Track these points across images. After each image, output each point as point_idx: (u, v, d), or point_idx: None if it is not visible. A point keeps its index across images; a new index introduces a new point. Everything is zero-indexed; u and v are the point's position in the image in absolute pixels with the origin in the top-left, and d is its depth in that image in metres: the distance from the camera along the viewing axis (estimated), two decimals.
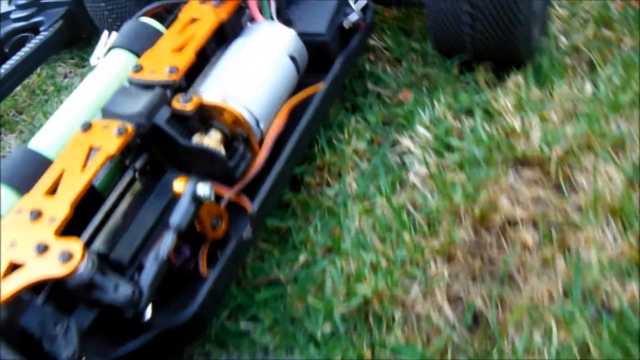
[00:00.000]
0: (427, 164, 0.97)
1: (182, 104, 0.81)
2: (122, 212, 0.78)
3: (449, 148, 0.99)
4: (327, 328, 0.81)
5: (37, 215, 0.70)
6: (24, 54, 1.36)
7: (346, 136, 1.02)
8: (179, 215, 0.70)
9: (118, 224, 0.77)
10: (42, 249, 0.66)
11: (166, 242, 0.69)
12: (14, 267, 0.67)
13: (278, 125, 0.89)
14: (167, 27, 0.93)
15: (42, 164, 0.79)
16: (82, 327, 0.68)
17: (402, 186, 0.96)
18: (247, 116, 0.84)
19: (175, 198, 0.77)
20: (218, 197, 0.79)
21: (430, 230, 0.88)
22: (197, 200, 0.71)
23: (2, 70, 1.32)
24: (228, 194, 0.83)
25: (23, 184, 0.77)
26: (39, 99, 1.53)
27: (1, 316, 0.62)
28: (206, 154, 0.81)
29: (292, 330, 0.81)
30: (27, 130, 1.43)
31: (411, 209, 0.92)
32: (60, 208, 0.70)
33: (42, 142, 0.83)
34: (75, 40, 1.60)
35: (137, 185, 0.81)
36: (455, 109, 1.04)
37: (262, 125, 0.87)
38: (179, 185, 0.72)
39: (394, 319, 0.80)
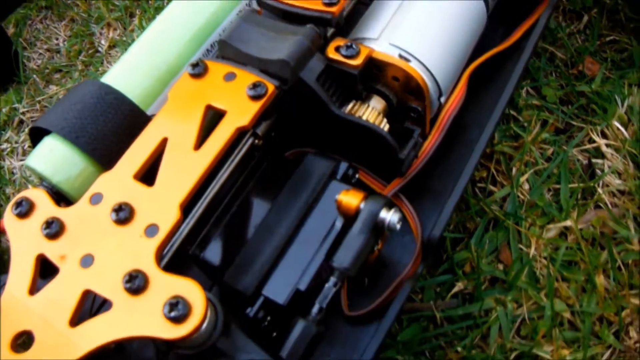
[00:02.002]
0: (620, 175, 0.71)
1: (344, 54, 0.54)
2: (238, 206, 0.53)
3: None
4: None
5: (127, 215, 0.44)
6: None
7: (523, 116, 0.75)
8: (351, 254, 0.44)
9: (232, 226, 0.52)
10: (140, 284, 0.41)
11: (327, 293, 0.44)
12: (87, 297, 0.43)
13: (457, 99, 0.61)
14: None
15: (126, 115, 0.52)
16: None
17: (589, 200, 0.70)
18: (430, 85, 0.56)
19: (324, 199, 0.51)
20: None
21: (631, 279, 0.64)
22: (377, 232, 0.46)
23: None
24: (388, 194, 0.57)
25: (97, 144, 0.50)
26: None
27: None
28: (368, 134, 0.54)
29: None
30: (79, 19, 1.10)
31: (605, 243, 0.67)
32: (163, 210, 0.45)
33: (123, 77, 0.55)
34: None
35: (258, 166, 0.55)
36: None
37: (442, 99, 0.59)
38: (351, 200, 0.46)
39: None
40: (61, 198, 0.51)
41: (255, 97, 0.50)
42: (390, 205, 0.46)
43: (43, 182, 0.51)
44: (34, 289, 0.43)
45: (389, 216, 0.45)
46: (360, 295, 0.55)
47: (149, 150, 0.48)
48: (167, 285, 0.41)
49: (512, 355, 0.61)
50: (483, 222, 0.67)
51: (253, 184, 0.54)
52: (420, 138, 0.57)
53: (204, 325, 0.40)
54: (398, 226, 0.45)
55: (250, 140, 0.56)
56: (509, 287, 0.63)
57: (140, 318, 0.40)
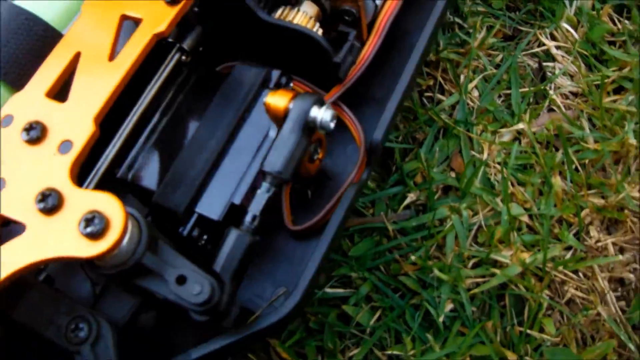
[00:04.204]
0: (573, 77, 0.70)
1: None
2: (166, 122, 0.50)
3: (601, 58, 0.71)
4: (448, 308, 0.58)
5: (39, 134, 0.41)
6: None
7: (469, 23, 0.72)
8: (282, 157, 0.42)
9: (162, 141, 0.49)
10: (54, 203, 0.38)
11: (260, 200, 0.42)
12: (3, 223, 0.40)
13: (395, 2, 0.58)
14: None
15: (40, 35, 0.48)
16: (119, 325, 0.41)
17: (541, 104, 0.68)
18: None
19: (254, 108, 0.48)
20: None
21: (588, 179, 0.63)
22: (309, 132, 0.43)
23: None
24: (327, 101, 0.54)
25: (9, 68, 0.47)
26: None
27: None
28: (299, 38, 0.51)
29: (399, 305, 0.58)
30: None
31: (557, 143, 0.66)
32: (78, 125, 0.41)
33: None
34: None
35: (186, 81, 0.52)
36: (614, 4, 0.75)
37: (378, 1, 0.56)
38: (279, 100, 0.43)
39: (540, 306, 0.58)
40: None
41: (172, 2, 0.46)
42: (321, 102, 0.43)
43: None
44: None
45: (321, 114, 0.42)
46: (305, 210, 0.53)
47: (62, 67, 0.45)
48: (83, 201, 0.38)
49: (470, 263, 0.59)
50: (432, 131, 0.65)
51: (181, 100, 0.51)
52: (357, 41, 0.54)
53: (125, 240, 0.37)
54: (332, 124, 0.43)
55: (176, 56, 0.53)
56: (463, 195, 0.62)
57: (56, 238, 0.37)
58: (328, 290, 0.59)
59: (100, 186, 0.46)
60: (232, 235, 0.41)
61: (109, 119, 0.46)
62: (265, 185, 0.42)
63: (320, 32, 0.53)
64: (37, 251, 0.37)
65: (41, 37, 0.49)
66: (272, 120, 0.45)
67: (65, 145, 0.40)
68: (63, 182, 0.39)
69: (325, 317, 0.58)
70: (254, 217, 0.42)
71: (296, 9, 0.53)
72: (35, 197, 0.38)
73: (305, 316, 0.58)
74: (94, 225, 0.36)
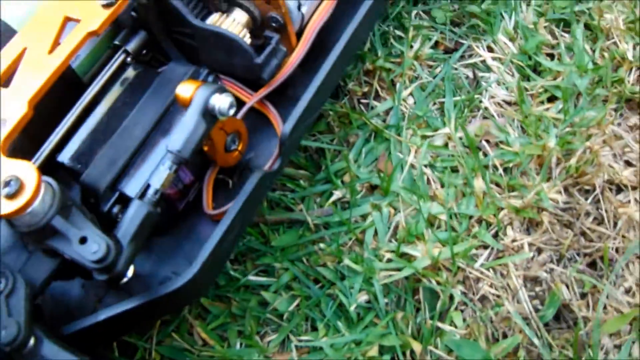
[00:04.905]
0: (508, 87, 0.73)
1: None
2: (105, 112, 0.54)
3: (538, 69, 0.75)
4: (363, 299, 0.61)
5: None
6: None
7: (408, 35, 0.76)
8: (182, 138, 0.46)
9: (99, 128, 0.54)
10: None
11: (161, 175, 0.46)
12: None
13: (325, 11, 0.63)
14: None
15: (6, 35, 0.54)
16: (37, 284, 0.46)
17: (474, 112, 0.72)
18: None
19: (177, 105, 0.53)
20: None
21: (510, 180, 0.66)
22: (210, 117, 0.47)
23: None
24: (250, 102, 0.59)
25: None
26: None
27: None
28: (224, 41, 0.55)
29: (316, 294, 0.61)
30: None
31: (486, 148, 0.69)
32: (13, 107, 0.47)
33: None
34: None
35: (129, 75, 0.57)
36: (550, 19, 0.78)
37: (304, 9, 0.61)
38: (186, 90, 0.48)
39: (452, 299, 0.61)
40: None
41: (107, 5, 0.51)
42: (222, 91, 0.47)
43: None
44: None
45: (220, 101, 0.47)
46: (226, 198, 0.57)
47: (9, 60, 0.50)
48: (6, 168, 0.43)
49: (385, 258, 0.62)
50: (364, 134, 0.69)
51: (121, 95, 0.56)
52: (282, 45, 0.59)
53: (37, 202, 0.42)
54: (230, 112, 0.47)
55: (121, 57, 0.58)
56: (386, 193, 0.65)
57: None
58: (251, 278, 0.63)
59: (44, 169, 0.51)
60: (134, 205, 0.45)
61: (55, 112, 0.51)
62: (167, 163, 0.46)
63: (247, 37, 0.58)
64: None
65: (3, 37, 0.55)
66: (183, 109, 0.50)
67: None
68: None
69: (247, 302, 0.61)
70: (155, 191, 0.46)
71: (227, 17, 0.58)
72: None
73: (229, 302, 0.62)
74: (10, 187, 0.41)
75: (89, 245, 0.42)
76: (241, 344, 0.61)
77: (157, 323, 0.62)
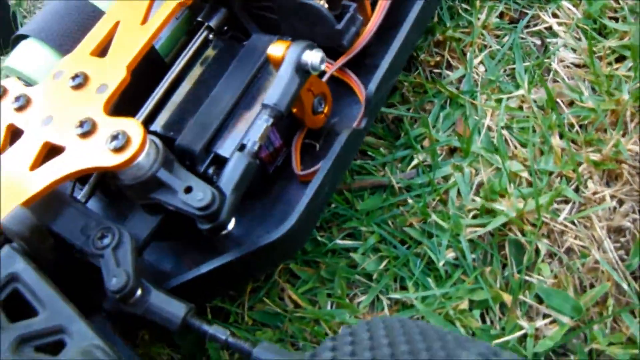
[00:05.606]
0: (576, 50, 0.74)
1: None
2: (192, 85, 0.58)
3: (603, 33, 0.75)
4: (450, 256, 0.62)
5: (82, 81, 0.50)
6: None
7: (475, 6, 0.78)
8: (278, 92, 0.49)
9: (188, 100, 0.57)
10: (88, 128, 0.46)
11: (259, 128, 0.49)
12: (50, 151, 0.48)
13: None
14: None
15: (89, 15, 0.58)
16: (140, 240, 0.49)
17: (545, 76, 0.73)
18: None
19: (267, 67, 0.56)
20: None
21: (586, 136, 0.67)
22: (303, 72, 0.50)
23: None
24: (334, 66, 0.61)
25: (64, 40, 0.57)
26: None
27: (27, 220, 0.43)
28: (307, 10, 0.59)
29: (403, 254, 0.63)
30: None
31: (561, 106, 0.70)
32: (113, 72, 0.50)
33: None
34: None
35: (212, 52, 0.60)
36: None
37: None
38: (278, 49, 0.51)
39: (538, 252, 0.61)
40: None
41: None
42: (312, 47, 0.50)
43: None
44: (4, 150, 0.49)
45: (311, 57, 0.50)
46: (312, 161, 0.60)
47: (104, 32, 0.54)
48: (112, 125, 0.46)
49: (471, 215, 0.64)
50: (439, 101, 0.71)
51: (206, 68, 0.59)
52: (359, 14, 0.61)
53: (142, 155, 0.45)
54: (322, 66, 0.50)
55: (204, 33, 0.62)
56: (466, 155, 0.67)
57: (88, 154, 0.45)
58: (339, 241, 0.65)
59: None
60: (234, 157, 0.48)
61: (140, 92, 0.55)
62: (264, 117, 0.49)
63: (325, 5, 0.61)
64: (73, 165, 0.45)
65: (91, 16, 0.59)
66: (275, 69, 0.53)
67: (102, 88, 0.50)
68: (97, 113, 0.47)
69: (335, 265, 0.64)
70: (253, 143, 0.49)
71: None
72: (75, 125, 0.47)
73: (317, 266, 0.64)
74: (118, 141, 0.44)
75: (194, 194, 0.45)
76: (332, 305, 0.63)
77: (248, 289, 0.65)
